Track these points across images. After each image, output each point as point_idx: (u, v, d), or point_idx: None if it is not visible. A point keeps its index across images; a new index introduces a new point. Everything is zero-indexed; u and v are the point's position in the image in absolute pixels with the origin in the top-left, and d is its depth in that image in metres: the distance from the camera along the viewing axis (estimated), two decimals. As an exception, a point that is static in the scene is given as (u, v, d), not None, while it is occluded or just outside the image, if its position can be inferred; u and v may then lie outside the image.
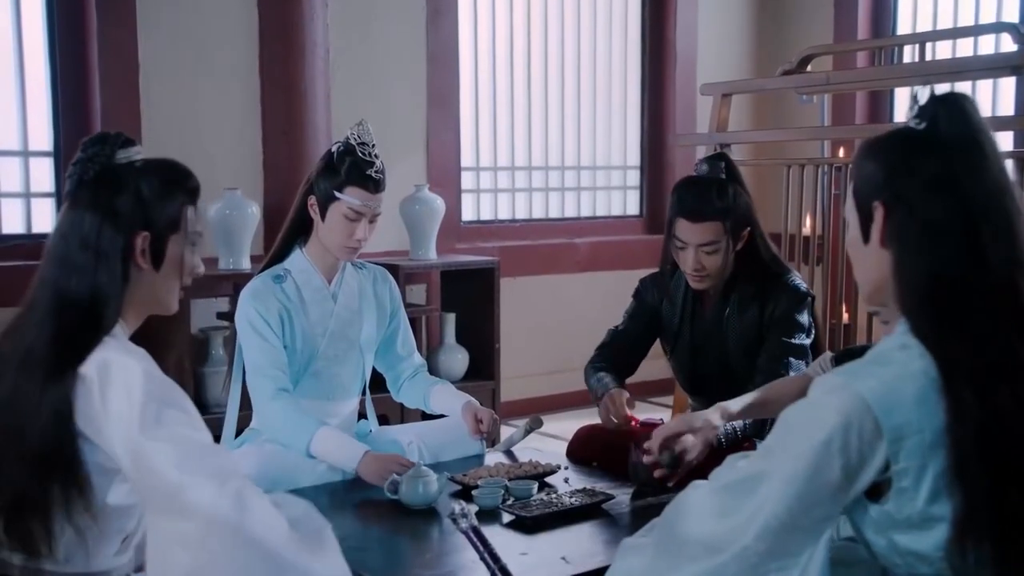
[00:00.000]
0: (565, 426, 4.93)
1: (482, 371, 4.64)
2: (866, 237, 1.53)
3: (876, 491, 1.45)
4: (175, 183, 1.71)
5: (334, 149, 2.66)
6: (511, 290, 4.96)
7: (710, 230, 2.59)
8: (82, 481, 1.56)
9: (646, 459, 2.28)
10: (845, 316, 3.84)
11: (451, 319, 4.62)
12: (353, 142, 2.63)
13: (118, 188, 1.65)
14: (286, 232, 2.75)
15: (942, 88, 1.55)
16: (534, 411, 5.22)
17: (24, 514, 1.54)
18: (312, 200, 2.66)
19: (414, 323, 4.38)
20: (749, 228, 2.67)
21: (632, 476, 2.40)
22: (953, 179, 1.45)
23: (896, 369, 1.42)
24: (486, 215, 5.38)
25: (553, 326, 5.38)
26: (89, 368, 1.57)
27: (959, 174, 1.45)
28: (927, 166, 1.47)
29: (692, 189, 2.64)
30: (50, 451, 1.54)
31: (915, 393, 1.40)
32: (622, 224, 5.81)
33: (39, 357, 1.59)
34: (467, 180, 5.25)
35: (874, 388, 1.40)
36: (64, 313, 1.61)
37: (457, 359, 4.60)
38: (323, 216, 2.65)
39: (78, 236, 1.63)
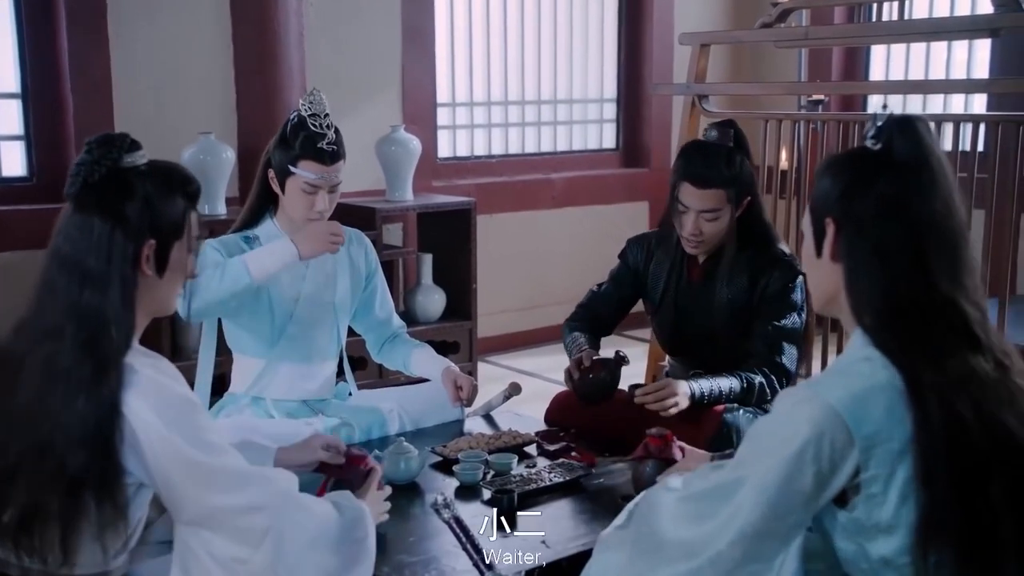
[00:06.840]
0: (540, 362, 5.03)
1: (459, 311, 4.67)
2: (819, 251, 1.59)
3: (843, 498, 1.51)
4: (179, 188, 1.69)
5: (290, 119, 2.62)
6: (487, 227, 4.98)
7: (714, 197, 2.59)
8: (120, 502, 1.57)
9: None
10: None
11: (428, 259, 4.63)
12: (304, 113, 2.59)
13: (127, 194, 1.62)
14: (252, 204, 2.72)
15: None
16: (511, 347, 5.32)
17: (42, 526, 1.54)
18: (272, 174, 2.65)
19: (391, 265, 4.39)
20: (750, 198, 2.67)
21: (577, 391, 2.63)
22: (903, 201, 1.50)
23: (863, 381, 1.48)
24: (462, 151, 5.35)
25: (529, 262, 5.42)
26: (129, 405, 1.57)
27: (909, 196, 1.50)
28: (878, 187, 1.52)
29: (700, 155, 2.61)
30: (90, 471, 1.54)
31: (885, 403, 1.45)
32: (598, 158, 5.80)
33: (64, 369, 1.57)
34: (443, 116, 5.21)
35: (843, 399, 1.46)
36: (82, 324, 1.59)
37: (434, 299, 4.62)
38: (283, 190, 2.64)
39: (88, 243, 1.60)
